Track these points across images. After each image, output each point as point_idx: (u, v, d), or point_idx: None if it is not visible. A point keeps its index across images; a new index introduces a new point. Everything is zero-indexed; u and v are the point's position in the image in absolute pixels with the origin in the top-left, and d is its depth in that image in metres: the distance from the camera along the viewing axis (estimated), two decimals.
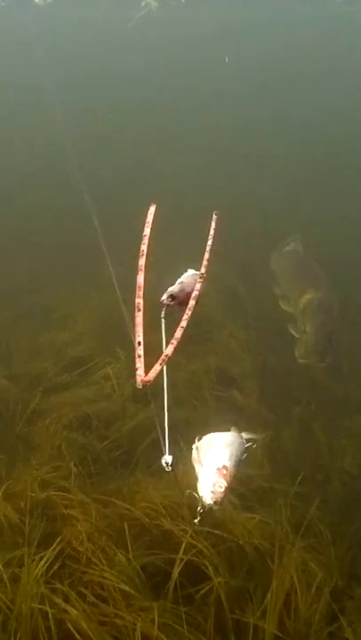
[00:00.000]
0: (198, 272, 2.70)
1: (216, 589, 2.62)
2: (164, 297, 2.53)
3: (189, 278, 2.68)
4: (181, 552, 2.76)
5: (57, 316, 4.80)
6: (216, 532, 2.84)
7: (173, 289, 2.58)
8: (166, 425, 2.05)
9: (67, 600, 2.56)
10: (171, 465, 1.99)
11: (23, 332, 4.62)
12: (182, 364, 4.14)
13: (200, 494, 2.01)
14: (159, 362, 2.15)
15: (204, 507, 1.98)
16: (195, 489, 2.02)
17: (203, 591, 2.63)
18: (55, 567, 2.72)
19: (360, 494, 3.40)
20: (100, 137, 7.13)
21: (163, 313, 2.48)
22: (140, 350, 2.18)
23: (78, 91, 7.79)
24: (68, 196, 5.19)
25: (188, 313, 2.47)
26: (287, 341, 4.36)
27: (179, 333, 2.30)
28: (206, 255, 2.82)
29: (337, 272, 5.02)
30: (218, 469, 2.05)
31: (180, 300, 2.55)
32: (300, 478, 3.26)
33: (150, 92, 8.22)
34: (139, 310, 2.39)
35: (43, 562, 2.64)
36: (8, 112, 7.45)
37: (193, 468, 2.09)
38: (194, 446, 2.18)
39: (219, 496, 1.99)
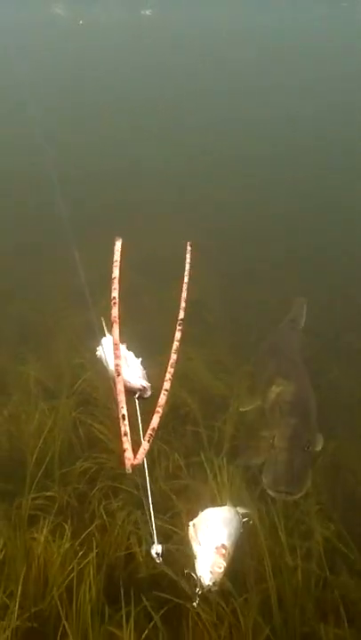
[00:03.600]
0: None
1: (192, 413, 3.85)
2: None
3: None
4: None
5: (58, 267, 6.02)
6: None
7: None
8: (152, 518, 2.01)
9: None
10: (161, 555, 1.96)
11: (34, 277, 5.84)
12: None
13: (198, 574, 1.95)
14: (146, 439, 2.03)
15: (202, 587, 1.93)
16: (192, 567, 2.00)
17: (183, 412, 3.86)
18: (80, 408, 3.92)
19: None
20: None
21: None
22: (124, 426, 2.02)
23: None
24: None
25: (170, 371, 2.36)
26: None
27: (163, 400, 2.20)
28: (184, 294, 2.63)
29: None
30: (217, 549, 1.99)
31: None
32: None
33: None
34: (118, 374, 2.18)
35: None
36: None
37: (190, 545, 2.08)
38: (191, 523, 2.12)
39: (217, 577, 1.93)
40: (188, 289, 2.74)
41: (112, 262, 2.89)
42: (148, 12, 16.51)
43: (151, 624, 2.49)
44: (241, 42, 16.59)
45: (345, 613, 2.62)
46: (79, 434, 3.73)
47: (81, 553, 2.77)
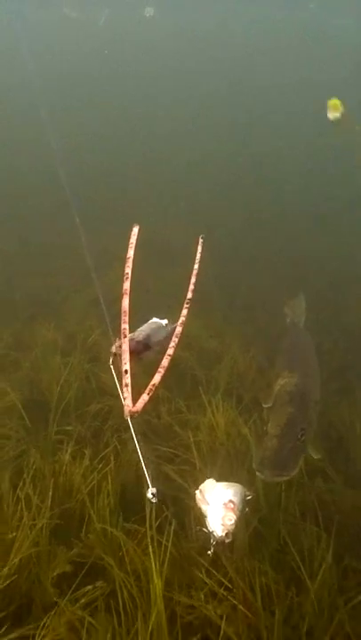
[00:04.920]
0: (162, 321, 2.77)
1: (191, 363, 4.39)
2: (113, 348, 2.58)
3: (149, 327, 2.76)
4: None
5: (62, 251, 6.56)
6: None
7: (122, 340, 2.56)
8: (143, 465, 2.23)
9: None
10: (155, 495, 2.18)
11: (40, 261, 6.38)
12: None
13: (210, 529, 2.13)
14: (147, 391, 2.22)
15: (215, 540, 2.11)
16: (203, 525, 2.19)
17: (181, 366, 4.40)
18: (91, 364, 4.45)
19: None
20: None
21: (111, 360, 2.58)
22: (127, 379, 2.24)
23: None
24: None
25: (175, 340, 2.51)
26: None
27: (166, 362, 2.38)
28: (193, 279, 2.86)
29: None
30: (225, 504, 2.16)
31: (130, 349, 2.54)
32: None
33: None
34: (125, 336, 2.45)
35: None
36: None
37: (199, 508, 2.25)
38: (197, 490, 2.28)
39: (229, 528, 2.10)
40: (190, 272, 3.02)
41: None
42: (151, 13, 17.33)
43: (164, 515, 3.00)
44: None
45: (320, 513, 3.16)
46: (91, 383, 4.26)
47: (100, 466, 3.28)
